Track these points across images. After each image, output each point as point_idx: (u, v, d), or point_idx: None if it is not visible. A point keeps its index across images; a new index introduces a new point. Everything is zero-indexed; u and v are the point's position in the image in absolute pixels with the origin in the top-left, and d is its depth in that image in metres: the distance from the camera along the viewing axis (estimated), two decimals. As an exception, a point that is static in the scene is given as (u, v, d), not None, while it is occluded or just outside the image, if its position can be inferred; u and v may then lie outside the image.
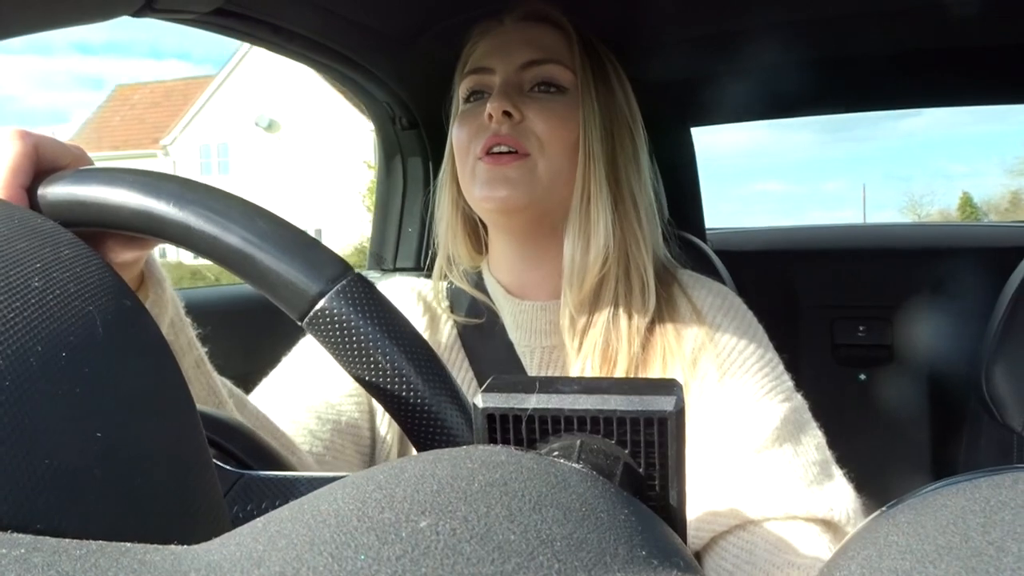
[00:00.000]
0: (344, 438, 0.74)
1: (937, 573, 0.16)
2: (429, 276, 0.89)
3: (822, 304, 1.71)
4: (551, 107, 0.77)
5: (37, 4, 0.67)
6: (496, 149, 0.76)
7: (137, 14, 0.76)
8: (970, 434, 1.27)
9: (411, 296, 0.85)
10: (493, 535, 0.16)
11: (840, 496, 0.68)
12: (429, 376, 0.36)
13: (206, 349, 0.58)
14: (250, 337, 1.14)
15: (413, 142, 1.40)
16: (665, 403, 0.27)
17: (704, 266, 1.32)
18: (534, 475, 0.20)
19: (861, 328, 1.69)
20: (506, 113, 0.75)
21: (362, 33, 1.14)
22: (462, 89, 0.83)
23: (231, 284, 1.38)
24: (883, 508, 0.23)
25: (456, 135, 0.81)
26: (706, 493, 0.70)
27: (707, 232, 1.74)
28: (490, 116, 0.75)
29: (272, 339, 0.82)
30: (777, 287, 1.72)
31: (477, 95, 0.81)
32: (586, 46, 0.80)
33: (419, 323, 0.82)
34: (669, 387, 0.28)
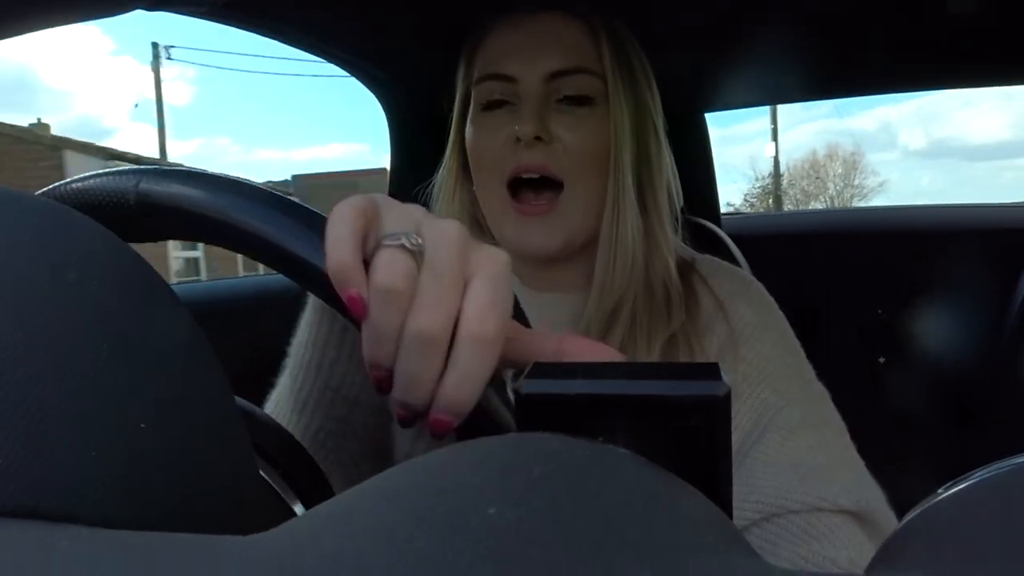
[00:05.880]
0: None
1: None
2: None
3: (839, 286, 1.70)
4: (582, 123, 0.73)
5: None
6: (526, 175, 0.72)
7: (151, 7, 0.76)
8: (996, 416, 1.26)
9: None
10: (562, 523, 0.15)
11: (866, 486, 0.66)
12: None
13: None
14: (249, 335, 1.14)
15: (424, 131, 1.39)
16: (713, 387, 0.26)
17: (719, 251, 1.31)
18: (591, 462, 0.19)
19: (880, 310, 1.67)
20: (537, 137, 0.71)
21: (373, 26, 1.13)
22: (478, 94, 0.77)
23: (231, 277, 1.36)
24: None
25: (475, 146, 0.76)
26: None
27: (721, 218, 1.73)
28: (518, 139, 0.72)
29: (270, 337, 0.79)
30: (793, 270, 1.72)
31: (498, 104, 0.76)
32: (613, 44, 0.75)
33: None
34: (714, 371, 0.27)
